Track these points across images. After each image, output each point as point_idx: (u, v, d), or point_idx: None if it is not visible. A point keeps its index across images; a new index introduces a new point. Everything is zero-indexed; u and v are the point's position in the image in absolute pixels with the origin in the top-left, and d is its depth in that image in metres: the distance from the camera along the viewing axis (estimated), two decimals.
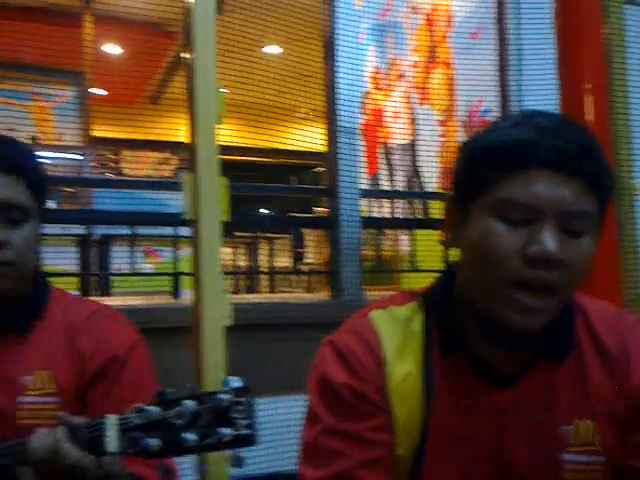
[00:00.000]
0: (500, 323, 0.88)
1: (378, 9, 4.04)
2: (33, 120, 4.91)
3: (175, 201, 4.06)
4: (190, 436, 0.90)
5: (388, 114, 4.72)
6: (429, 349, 0.96)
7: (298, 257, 4.49)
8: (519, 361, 0.95)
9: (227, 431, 0.90)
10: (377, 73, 4.78)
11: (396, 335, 0.97)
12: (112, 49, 5.67)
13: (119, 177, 5.06)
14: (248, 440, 0.91)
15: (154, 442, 0.90)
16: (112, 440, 0.92)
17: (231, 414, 0.91)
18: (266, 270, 4.53)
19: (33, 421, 1.13)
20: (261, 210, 7.28)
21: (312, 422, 0.97)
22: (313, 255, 4.96)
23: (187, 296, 3.53)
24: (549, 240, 0.84)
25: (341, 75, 3.15)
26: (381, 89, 4.82)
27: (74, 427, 0.94)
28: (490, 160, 0.89)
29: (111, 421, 0.93)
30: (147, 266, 4.29)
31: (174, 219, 3.15)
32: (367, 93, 4.67)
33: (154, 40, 4.93)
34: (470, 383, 0.95)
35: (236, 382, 0.93)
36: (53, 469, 0.92)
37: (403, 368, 0.95)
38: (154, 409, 0.92)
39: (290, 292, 4.79)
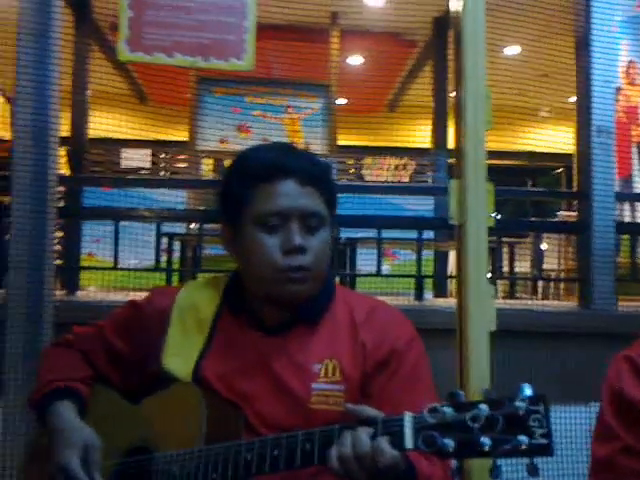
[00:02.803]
0: None
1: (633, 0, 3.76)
2: (285, 132, 5.29)
3: (413, 205, 4.12)
4: (486, 440, 0.91)
5: None
6: None
7: (539, 263, 4.33)
8: None
9: (524, 439, 0.90)
10: (631, 67, 4.45)
11: None
12: (355, 60, 5.91)
13: (367, 183, 5.23)
14: (545, 450, 0.90)
15: (450, 442, 0.93)
16: (409, 437, 0.96)
17: (528, 422, 0.90)
18: (506, 275, 4.42)
19: (322, 406, 1.22)
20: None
21: (607, 438, 0.93)
22: (554, 261, 4.74)
23: (429, 299, 3.57)
24: None
25: (595, 71, 2.99)
26: (636, 84, 4.47)
27: (372, 421, 1.00)
28: None
29: (407, 418, 0.97)
30: (384, 267, 4.40)
31: (421, 223, 3.23)
32: (619, 89, 4.36)
33: (394, 49, 5.05)
34: None
35: (530, 390, 0.92)
36: (364, 464, 0.98)
37: None
38: (448, 410, 0.94)
39: (527, 298, 4.62)
